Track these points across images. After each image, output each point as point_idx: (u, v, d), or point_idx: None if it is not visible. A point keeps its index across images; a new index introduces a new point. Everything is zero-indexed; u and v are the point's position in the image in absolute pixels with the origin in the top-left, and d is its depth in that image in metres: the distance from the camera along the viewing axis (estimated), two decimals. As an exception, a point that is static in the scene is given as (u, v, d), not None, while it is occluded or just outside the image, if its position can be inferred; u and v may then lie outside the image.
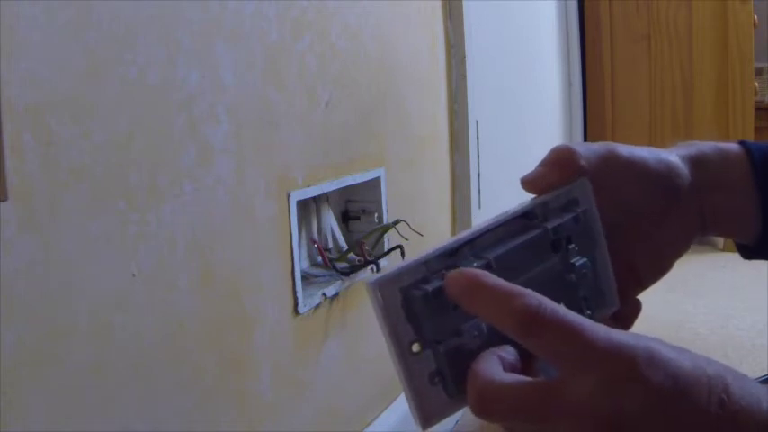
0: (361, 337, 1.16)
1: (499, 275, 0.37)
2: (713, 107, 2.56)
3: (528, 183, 0.45)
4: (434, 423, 0.39)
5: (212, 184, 0.82)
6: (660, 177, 0.47)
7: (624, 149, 0.47)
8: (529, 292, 0.36)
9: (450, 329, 0.38)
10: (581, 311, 0.42)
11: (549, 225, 0.42)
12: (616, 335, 0.35)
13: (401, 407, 1.27)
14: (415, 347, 0.38)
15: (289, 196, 0.96)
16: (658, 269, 0.50)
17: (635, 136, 2.63)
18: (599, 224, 0.45)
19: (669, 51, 2.60)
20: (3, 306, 0.57)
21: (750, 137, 2.49)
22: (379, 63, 1.21)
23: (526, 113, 2.16)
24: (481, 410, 0.36)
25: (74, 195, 0.64)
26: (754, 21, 2.49)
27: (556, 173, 0.45)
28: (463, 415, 1.49)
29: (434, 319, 0.38)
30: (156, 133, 0.74)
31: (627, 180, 0.47)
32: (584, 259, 0.44)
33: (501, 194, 1.76)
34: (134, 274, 0.71)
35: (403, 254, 1.15)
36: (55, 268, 0.63)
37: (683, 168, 0.48)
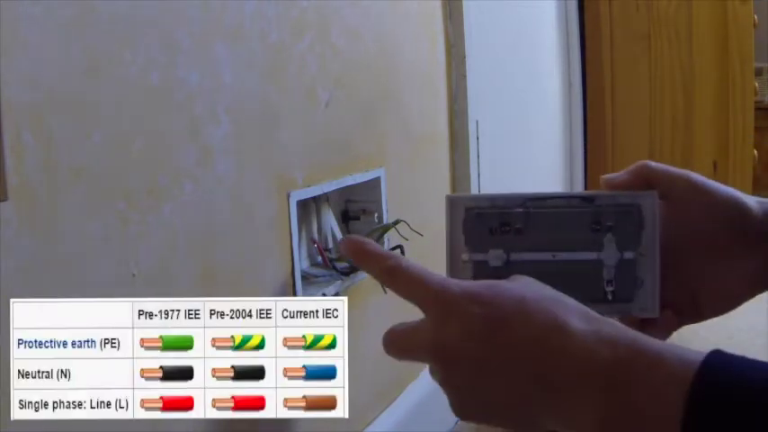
0: (362, 337, 1.16)
1: (535, 228, 0.50)
2: (713, 107, 2.56)
3: (606, 180, 0.52)
4: None
5: (212, 184, 0.82)
6: (728, 210, 0.49)
7: (699, 177, 0.51)
8: (395, 254, 0.47)
9: (483, 248, 0.51)
10: (603, 294, 0.50)
11: (597, 208, 0.50)
12: (450, 282, 0.44)
13: (401, 407, 1.27)
14: (465, 257, 0.51)
15: (289, 196, 0.96)
16: (719, 305, 0.51)
17: (635, 136, 2.63)
18: (655, 236, 0.50)
19: (669, 51, 2.60)
20: (3, 306, 0.57)
21: (750, 137, 2.49)
22: (379, 63, 1.21)
23: (526, 113, 2.16)
24: (384, 347, 0.46)
25: (74, 195, 0.64)
26: (754, 21, 2.49)
27: (633, 178, 0.51)
28: (463, 415, 1.49)
29: (476, 236, 0.51)
30: (156, 133, 0.74)
31: (695, 203, 0.50)
32: (617, 251, 0.49)
33: (501, 194, 1.76)
34: (134, 274, 0.71)
35: (403, 253, 1.15)
36: (55, 268, 0.63)
37: (757, 211, 0.50)
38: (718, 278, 0.50)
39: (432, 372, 0.44)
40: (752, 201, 0.50)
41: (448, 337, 0.42)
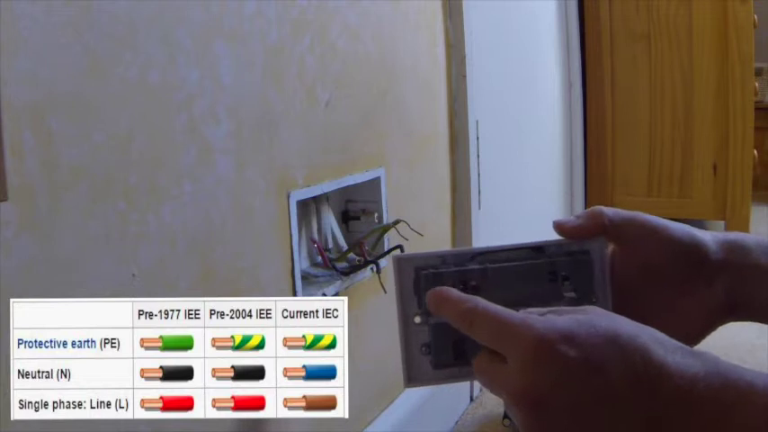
0: (361, 337, 1.16)
1: (493, 284, 0.48)
2: (713, 107, 2.56)
3: (558, 224, 0.51)
4: (416, 386, 0.49)
5: (212, 184, 0.82)
6: (683, 246, 0.50)
7: (650, 216, 0.51)
8: (472, 298, 0.44)
9: None
10: None
11: (550, 259, 0.50)
12: (535, 319, 0.41)
13: (401, 407, 1.27)
14: (417, 320, 0.48)
15: (289, 196, 0.96)
16: (682, 341, 0.51)
17: (635, 136, 2.63)
18: (605, 282, 0.51)
19: (669, 51, 2.59)
20: (3, 306, 0.57)
21: (750, 137, 2.49)
22: (379, 63, 1.21)
23: (526, 113, 2.16)
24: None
25: (74, 195, 0.64)
26: (754, 21, 2.49)
27: (585, 223, 0.51)
28: (462, 416, 1.49)
29: None
30: (156, 133, 0.74)
31: (650, 242, 0.50)
32: (576, 302, 0.50)
33: (501, 194, 1.76)
34: (134, 274, 0.71)
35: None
36: (55, 268, 0.63)
37: (713, 245, 0.50)
38: (678, 314, 0.51)
39: (511, 412, 0.42)
40: (707, 235, 0.51)
41: (538, 383, 0.39)
